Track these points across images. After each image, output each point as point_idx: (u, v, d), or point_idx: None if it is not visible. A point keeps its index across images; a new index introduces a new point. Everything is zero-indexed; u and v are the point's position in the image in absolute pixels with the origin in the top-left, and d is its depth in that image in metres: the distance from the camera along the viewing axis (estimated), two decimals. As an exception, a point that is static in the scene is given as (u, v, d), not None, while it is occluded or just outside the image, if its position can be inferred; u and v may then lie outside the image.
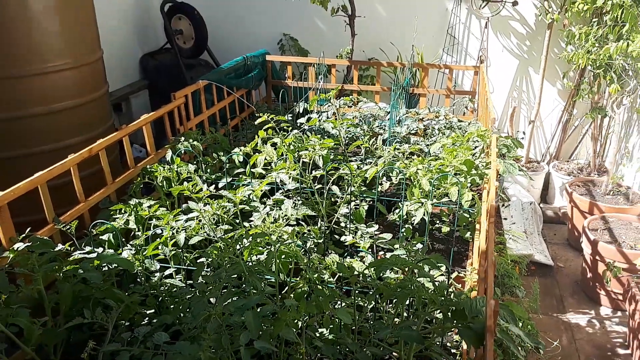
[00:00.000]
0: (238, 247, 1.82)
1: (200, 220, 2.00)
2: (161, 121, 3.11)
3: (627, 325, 3.26)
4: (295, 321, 1.55)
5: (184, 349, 1.39)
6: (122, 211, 2.25)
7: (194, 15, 5.03)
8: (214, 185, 2.53)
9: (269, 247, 1.84)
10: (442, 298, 1.50)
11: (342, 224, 2.50)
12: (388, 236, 2.35)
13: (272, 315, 1.57)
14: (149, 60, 5.19)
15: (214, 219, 2.10)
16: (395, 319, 1.88)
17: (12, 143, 2.94)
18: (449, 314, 1.47)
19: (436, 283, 1.64)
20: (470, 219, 2.58)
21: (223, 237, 1.89)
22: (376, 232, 2.37)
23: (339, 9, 4.60)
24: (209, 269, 1.88)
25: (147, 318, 1.83)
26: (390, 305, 2.05)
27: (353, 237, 2.27)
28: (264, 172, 2.66)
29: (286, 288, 1.85)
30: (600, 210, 3.95)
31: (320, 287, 1.70)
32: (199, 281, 1.68)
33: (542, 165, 4.90)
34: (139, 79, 5.19)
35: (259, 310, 1.49)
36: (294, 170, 2.40)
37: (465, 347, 1.99)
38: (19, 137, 2.94)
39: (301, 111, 3.87)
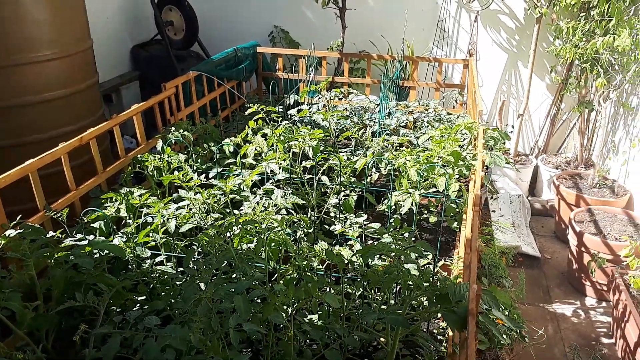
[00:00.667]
0: (228, 234, 1.85)
1: (190, 209, 2.02)
2: (152, 112, 3.11)
3: (611, 315, 3.33)
4: (285, 306, 1.58)
5: (174, 332, 1.42)
6: (113, 200, 2.26)
7: (185, 6, 5.02)
8: (204, 175, 2.54)
9: (259, 235, 1.87)
10: (427, 284, 1.54)
11: (332, 214, 2.53)
12: (377, 226, 2.39)
13: (262, 301, 1.60)
14: (140, 51, 5.18)
15: (204, 207, 2.12)
16: (383, 306, 1.92)
17: (2, 133, 2.93)
18: (434, 298, 1.51)
19: (421, 269, 1.67)
20: (457, 210, 2.62)
21: (213, 224, 1.91)
22: (365, 222, 2.40)
23: (330, 1, 4.61)
24: (200, 256, 1.91)
25: (138, 304, 1.85)
26: (379, 292, 2.09)
27: (342, 227, 2.30)
28: (254, 163, 2.68)
29: (276, 275, 1.87)
30: (586, 203, 4.01)
31: (309, 274, 1.73)
32: (189, 267, 1.70)
33: (531, 158, 4.96)
34: (129, 70, 5.18)
35: (248, 295, 1.52)
36: (284, 160, 2.43)
37: (450, 333, 2.04)
38: (8, 127, 2.94)
39: (292, 103, 3.89)
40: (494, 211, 4.49)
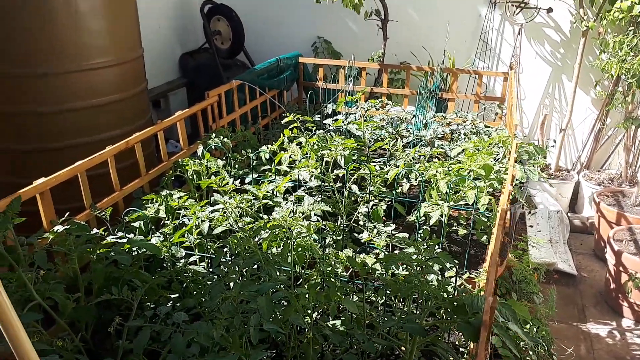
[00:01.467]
0: (257, 238, 1.94)
1: (225, 212, 2.12)
2: (196, 118, 3.26)
3: (649, 338, 3.24)
4: (307, 309, 1.65)
5: (200, 328, 1.51)
6: (154, 201, 2.40)
7: (232, 16, 5.20)
8: (239, 180, 2.65)
9: (287, 239, 1.95)
10: (444, 294, 1.58)
11: (362, 223, 2.59)
12: (405, 236, 2.43)
13: (286, 303, 1.68)
14: (188, 59, 5.40)
15: (238, 211, 2.22)
16: (403, 316, 1.96)
17: (55, 135, 3.14)
18: (451, 309, 1.55)
19: (440, 280, 1.71)
20: (487, 223, 2.63)
21: (244, 228, 2.01)
22: (393, 232, 2.45)
23: (372, 12, 4.69)
24: (230, 258, 2.00)
25: (171, 302, 1.96)
26: (403, 302, 2.13)
27: (369, 235, 2.35)
28: (288, 170, 2.78)
29: (301, 280, 1.95)
30: (627, 222, 3.91)
31: (332, 280, 1.79)
32: (218, 267, 1.80)
33: (572, 174, 4.86)
34: (177, 77, 5.40)
35: (272, 296, 1.59)
36: (316, 168, 2.51)
37: (472, 345, 2.06)
38: (61, 130, 3.14)
39: (330, 112, 3.98)
40: (531, 226, 4.42)
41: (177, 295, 2.03)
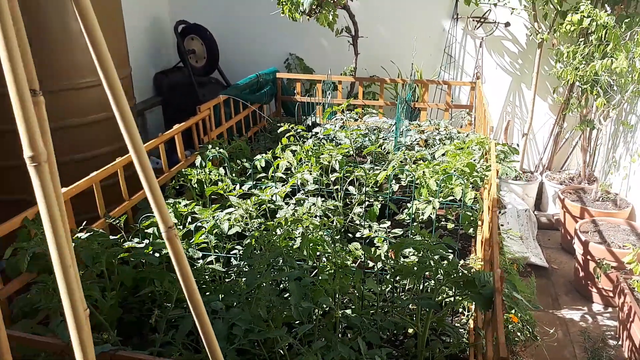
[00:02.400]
0: (273, 235, 2.09)
1: (238, 214, 2.26)
2: (183, 131, 3.37)
3: (617, 319, 3.52)
4: (329, 294, 1.81)
5: (236, 315, 1.65)
6: (162, 209, 2.50)
7: (207, 35, 5.34)
8: (239, 187, 2.79)
9: (300, 236, 2.11)
10: (455, 271, 1.77)
11: (357, 222, 2.77)
12: (399, 231, 2.63)
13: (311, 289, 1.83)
14: (163, 78, 5.48)
15: (247, 214, 2.36)
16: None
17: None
18: (462, 284, 1.74)
19: (449, 260, 1.90)
20: (472, 217, 2.85)
21: (259, 227, 2.15)
22: (388, 229, 2.64)
23: (343, 29, 4.93)
24: (249, 254, 2.14)
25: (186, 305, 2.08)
26: (407, 288, 2.32)
27: (369, 232, 2.53)
28: (284, 177, 2.94)
29: (315, 271, 2.10)
30: (590, 215, 4.24)
31: (347, 268, 1.96)
32: (249, 258, 1.94)
33: (536, 175, 5.20)
34: (152, 95, 5.48)
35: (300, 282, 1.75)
36: (317, 171, 2.68)
37: (472, 325, 2.25)
38: (55, 147, 3.18)
39: (310, 124, 4.17)
40: (502, 225, 4.70)
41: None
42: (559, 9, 4.55)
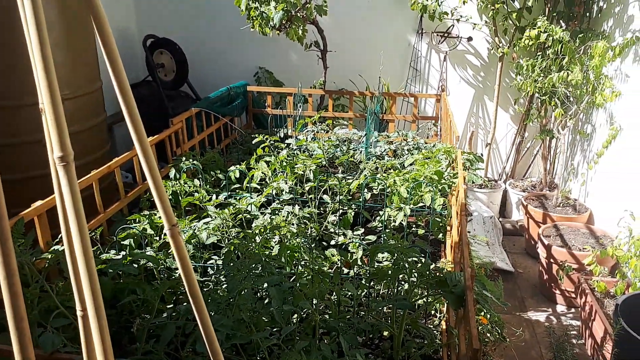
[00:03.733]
0: (252, 242, 2.14)
1: (216, 224, 2.30)
2: (155, 145, 3.39)
3: (580, 318, 3.68)
4: (308, 298, 1.86)
5: (218, 321, 1.69)
6: (137, 221, 2.51)
7: (176, 49, 5.35)
8: (214, 198, 2.82)
9: (276, 245, 2.16)
10: (428, 272, 1.85)
11: (331, 230, 2.84)
12: (373, 238, 2.71)
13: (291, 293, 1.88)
14: (131, 91, 5.46)
15: (224, 223, 2.40)
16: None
17: (15, 167, 3.14)
18: (435, 284, 1.82)
19: (422, 262, 1.99)
20: (441, 224, 2.96)
21: (237, 236, 2.20)
22: (362, 236, 2.72)
23: (312, 44, 5.03)
24: (228, 263, 2.17)
25: (165, 313, 2.10)
26: (383, 291, 2.39)
27: (344, 238, 2.61)
28: (258, 187, 2.99)
29: (293, 277, 2.16)
30: (552, 220, 4.42)
31: (325, 273, 2.02)
32: (229, 265, 1.98)
33: (500, 183, 5.39)
34: (121, 109, 5.45)
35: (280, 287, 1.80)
36: (292, 180, 2.74)
37: (444, 326, 2.34)
38: (21, 162, 3.14)
39: (282, 136, 4.24)
40: (469, 232, 4.85)
41: (171, 305, 2.17)
42: (518, 25, 4.77)
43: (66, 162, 0.78)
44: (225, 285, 1.84)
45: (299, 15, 4.35)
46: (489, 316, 3.06)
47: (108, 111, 5.16)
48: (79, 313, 0.86)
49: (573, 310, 3.96)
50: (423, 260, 2.30)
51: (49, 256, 2.06)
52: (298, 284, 1.85)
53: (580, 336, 3.64)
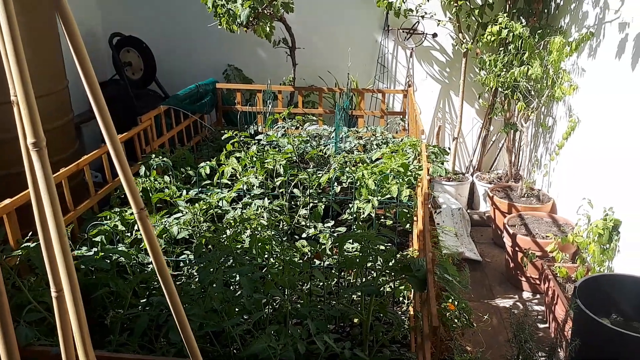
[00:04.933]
0: (223, 237, 2.18)
1: (187, 219, 2.33)
2: (124, 143, 3.39)
3: (544, 303, 3.82)
4: (278, 287, 1.92)
5: (190, 310, 1.73)
6: (109, 217, 2.52)
7: (143, 47, 5.32)
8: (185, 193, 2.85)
9: (247, 238, 2.21)
10: (393, 258, 1.92)
11: (303, 224, 2.89)
12: (343, 229, 2.78)
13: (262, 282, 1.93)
14: (99, 91, 5.41)
15: (195, 218, 2.43)
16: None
17: None
18: (399, 269, 1.89)
19: (387, 249, 2.06)
20: (408, 214, 3.05)
21: (208, 229, 2.23)
22: (332, 228, 2.78)
23: (280, 41, 5.07)
24: (198, 256, 2.21)
25: (140, 306, 2.12)
26: (352, 280, 2.46)
27: (314, 230, 2.67)
28: (229, 183, 3.02)
29: (265, 269, 2.20)
30: (517, 210, 4.57)
31: (295, 263, 2.08)
32: (199, 257, 2.01)
33: (467, 176, 5.53)
34: (89, 109, 5.39)
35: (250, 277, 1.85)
36: (262, 175, 2.78)
37: (412, 312, 2.42)
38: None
39: (253, 132, 4.27)
40: (438, 224, 4.97)
41: (144, 300, 2.19)
42: (480, 21, 4.91)
43: (39, 148, 0.82)
44: (197, 278, 1.88)
45: (265, 12, 4.38)
46: (456, 303, 3.17)
47: (76, 111, 5.12)
48: (53, 295, 0.89)
49: (538, 296, 4.11)
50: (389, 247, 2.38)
51: (20, 253, 2.06)
52: (269, 275, 1.90)
53: (545, 320, 3.79)
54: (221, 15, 4.36)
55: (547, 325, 3.74)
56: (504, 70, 4.63)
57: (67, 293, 0.84)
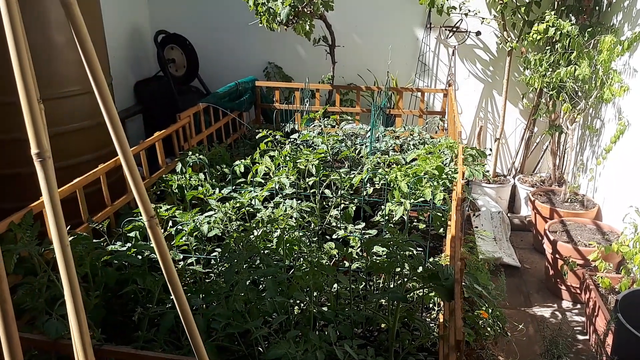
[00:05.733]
0: (251, 237, 2.19)
1: (218, 217, 2.36)
2: (163, 139, 3.46)
3: (585, 314, 3.68)
4: (304, 289, 1.91)
5: (216, 310, 1.74)
6: (144, 214, 2.58)
7: (186, 45, 5.43)
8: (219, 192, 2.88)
9: (276, 238, 2.21)
10: (420, 266, 1.89)
11: (333, 224, 2.88)
12: (374, 232, 2.75)
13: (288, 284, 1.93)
14: (143, 87, 5.56)
15: (226, 217, 2.45)
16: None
17: (29, 160, 3.24)
18: (427, 277, 1.85)
19: (415, 254, 2.02)
20: (442, 218, 2.99)
21: (237, 228, 2.25)
22: (363, 230, 2.76)
23: (320, 39, 5.06)
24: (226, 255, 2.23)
25: (170, 304, 2.16)
26: (382, 284, 2.43)
27: (344, 232, 2.65)
28: (262, 181, 3.04)
29: (292, 270, 2.21)
30: (559, 216, 4.41)
31: (322, 265, 2.07)
32: (226, 256, 2.03)
33: (509, 178, 5.38)
34: (133, 104, 5.54)
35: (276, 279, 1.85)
36: (293, 175, 2.79)
37: (441, 319, 2.37)
38: (30, 156, 3.24)
39: (289, 130, 4.28)
40: (476, 227, 4.86)
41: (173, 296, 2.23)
42: (526, 19, 4.75)
43: (42, 158, 0.83)
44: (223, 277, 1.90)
45: (305, 10, 4.37)
46: (490, 310, 3.09)
47: (120, 106, 5.27)
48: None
49: (579, 306, 3.96)
50: (417, 253, 2.34)
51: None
52: (294, 277, 1.90)
53: (585, 332, 3.65)
54: (262, 14, 4.39)
55: (587, 337, 3.60)
56: (550, 70, 4.47)
57: (67, 296, 0.86)
